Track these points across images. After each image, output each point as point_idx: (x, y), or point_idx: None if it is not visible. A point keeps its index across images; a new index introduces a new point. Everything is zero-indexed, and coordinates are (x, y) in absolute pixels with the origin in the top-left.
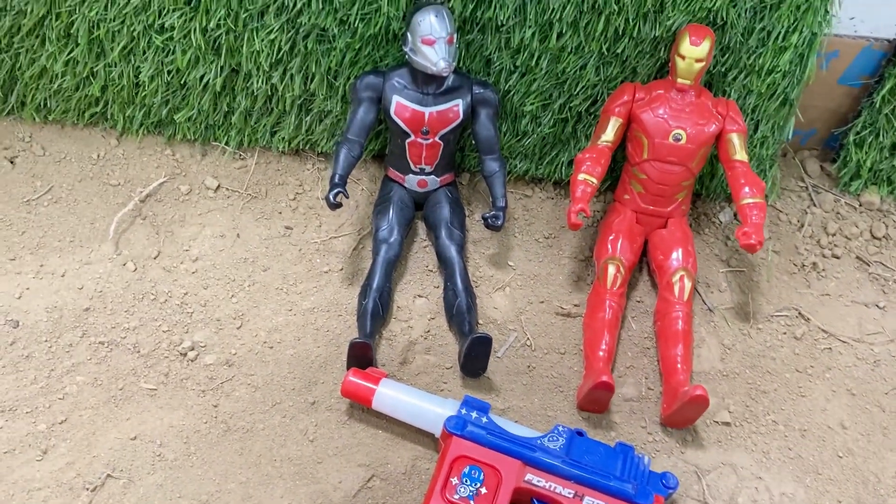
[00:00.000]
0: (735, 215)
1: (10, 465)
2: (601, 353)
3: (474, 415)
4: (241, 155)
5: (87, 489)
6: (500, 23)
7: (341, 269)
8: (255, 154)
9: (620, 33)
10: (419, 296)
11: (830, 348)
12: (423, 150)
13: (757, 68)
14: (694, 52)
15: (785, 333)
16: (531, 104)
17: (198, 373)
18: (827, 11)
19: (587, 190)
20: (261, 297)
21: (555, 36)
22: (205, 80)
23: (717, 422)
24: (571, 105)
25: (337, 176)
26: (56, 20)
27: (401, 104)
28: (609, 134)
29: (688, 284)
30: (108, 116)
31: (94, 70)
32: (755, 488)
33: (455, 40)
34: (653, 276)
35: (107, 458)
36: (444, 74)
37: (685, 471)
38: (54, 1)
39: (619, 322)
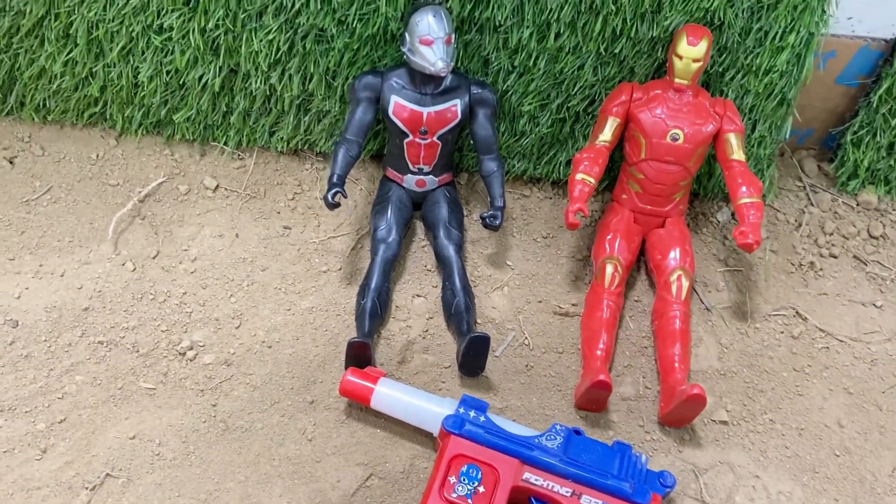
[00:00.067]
0: (733, 215)
1: (10, 465)
2: (599, 353)
3: (472, 414)
4: (239, 155)
5: (87, 488)
6: (497, 23)
7: (340, 269)
8: (254, 154)
9: (618, 33)
10: (417, 295)
11: (828, 347)
12: (422, 150)
13: (754, 68)
14: (691, 52)
15: (782, 332)
16: (529, 104)
17: (196, 372)
18: (824, 11)
19: (585, 189)
20: (259, 297)
21: (553, 36)
22: (203, 81)
23: (714, 420)
24: (569, 105)
25: (335, 176)
26: (55, 21)
27: (399, 104)
28: (607, 134)
29: (685, 284)
30: (107, 116)
31: (93, 70)
32: (752, 487)
33: (453, 40)
34: (650, 275)
35: (106, 457)
36: (442, 74)
37: (683, 469)
38: (53, 1)
39: (616, 321)
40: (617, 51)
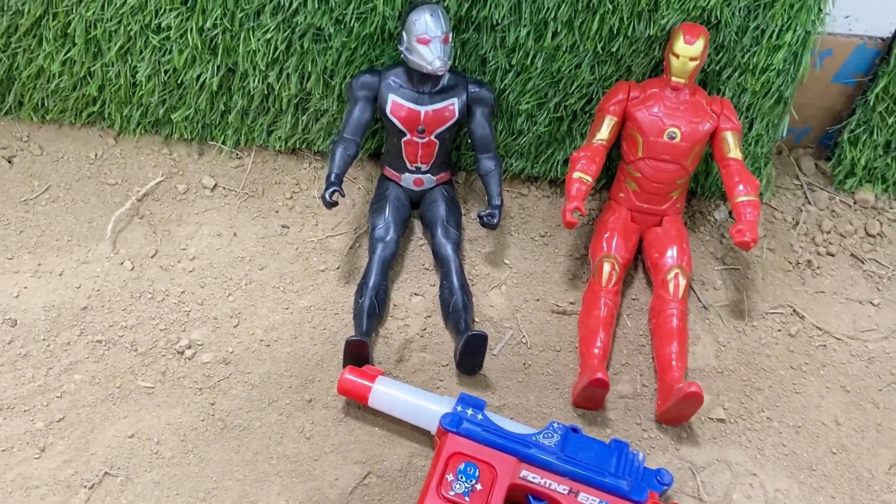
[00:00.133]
0: (730, 213)
1: (8, 463)
2: (596, 351)
3: (470, 412)
4: (237, 154)
5: (85, 487)
6: (495, 22)
7: (338, 268)
8: (252, 153)
9: (615, 32)
10: (415, 294)
11: (825, 345)
12: (419, 149)
13: (751, 67)
14: (688, 50)
15: (780, 331)
16: (527, 103)
17: (195, 371)
18: (820, 10)
19: (582, 188)
20: (257, 296)
21: (550, 35)
22: (201, 80)
23: (711, 418)
24: (567, 104)
25: (333, 175)
26: (53, 20)
27: (396, 103)
28: (604, 132)
29: (682, 282)
30: (106, 116)
31: (92, 70)
32: (749, 485)
33: (450, 39)
34: (648, 273)
35: (104, 455)
36: (440, 73)
37: (680, 467)
38: (51, 1)
39: (614, 320)
40: (614, 49)
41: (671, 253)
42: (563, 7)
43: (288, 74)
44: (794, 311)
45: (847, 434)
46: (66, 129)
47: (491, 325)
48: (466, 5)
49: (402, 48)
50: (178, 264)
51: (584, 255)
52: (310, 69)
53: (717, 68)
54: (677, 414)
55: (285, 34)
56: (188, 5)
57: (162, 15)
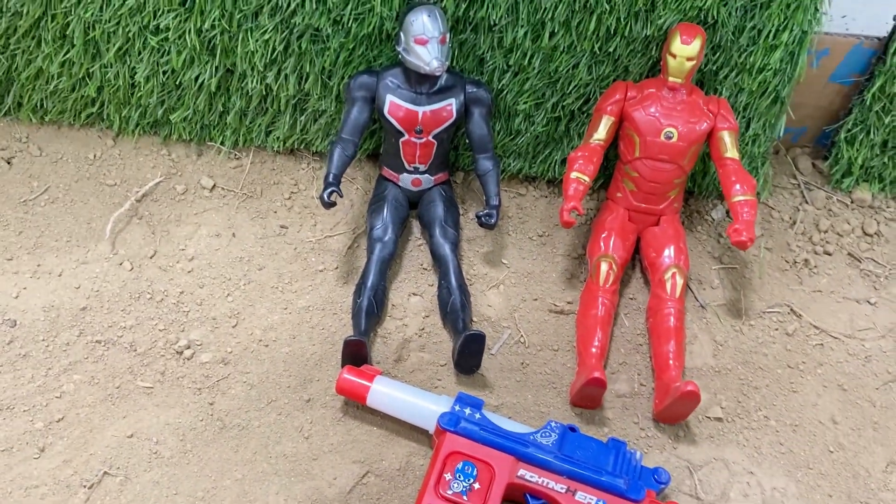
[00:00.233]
0: (727, 212)
1: (8, 463)
2: (594, 350)
3: (468, 411)
4: (236, 154)
5: (85, 486)
6: (492, 22)
7: (336, 268)
8: (251, 154)
9: (612, 32)
10: (414, 294)
11: (822, 344)
12: (417, 150)
13: (748, 66)
14: (685, 50)
15: (777, 330)
16: (524, 103)
17: (194, 371)
18: (817, 10)
19: (580, 188)
20: (256, 296)
21: (547, 35)
22: (200, 81)
23: (709, 417)
24: (564, 104)
25: (331, 175)
26: (52, 21)
27: (394, 103)
28: (601, 132)
29: (680, 281)
30: (105, 117)
31: (90, 71)
32: (747, 483)
33: (448, 40)
34: (645, 273)
35: (104, 455)
36: (437, 74)
37: (677, 466)
38: (50, 2)
39: (611, 319)
40: (611, 50)
41: (668, 252)
42: (560, 7)
43: (286, 75)
44: (791, 310)
45: (844, 432)
46: (65, 129)
47: (489, 324)
48: (464, 6)
49: (399, 49)
50: (176, 265)
51: (582, 254)
52: (308, 70)
53: (714, 68)
54: (675, 413)
55: (283, 35)
56: (186, 6)
57: (160, 16)
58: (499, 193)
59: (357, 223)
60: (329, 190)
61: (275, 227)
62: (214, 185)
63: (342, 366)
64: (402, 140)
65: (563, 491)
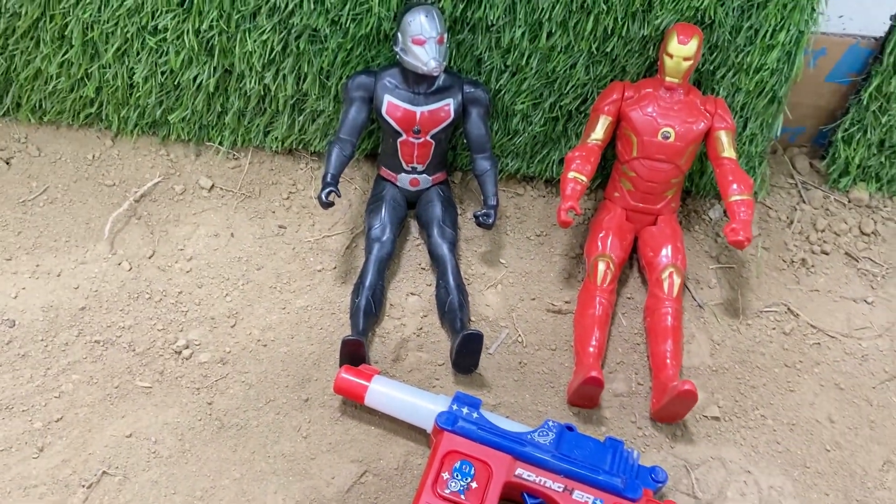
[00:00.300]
0: (724, 212)
1: (7, 463)
2: (591, 349)
3: (465, 410)
4: (234, 155)
5: (83, 486)
6: (490, 23)
7: (334, 268)
8: (249, 154)
9: (609, 32)
10: (412, 293)
11: (819, 343)
12: (415, 150)
13: (745, 66)
14: (682, 50)
15: (774, 329)
16: (522, 103)
17: (192, 371)
18: (814, 9)
19: (577, 188)
20: (255, 296)
21: (545, 35)
22: (198, 81)
23: (706, 416)
24: (562, 104)
25: (329, 175)
26: (50, 22)
27: (392, 104)
28: (599, 132)
29: (677, 281)
30: (103, 117)
31: (89, 71)
32: (744, 482)
33: (445, 40)
34: (643, 272)
35: (102, 455)
36: (435, 74)
37: (674, 465)
38: (48, 3)
39: (609, 318)
40: (608, 50)
41: (666, 252)
42: (557, 8)
43: (284, 75)
44: (788, 309)
45: (841, 431)
46: (64, 130)
47: (487, 324)
48: (461, 6)
49: (397, 49)
50: (175, 265)
51: (580, 254)
52: (306, 70)
53: (711, 68)
54: (672, 412)
55: (281, 35)
56: (184, 7)
57: (158, 17)
58: (497, 193)
59: (355, 223)
60: (327, 190)
61: (273, 227)
62: (213, 186)
63: (340, 365)
64: (399, 140)
65: (561, 490)
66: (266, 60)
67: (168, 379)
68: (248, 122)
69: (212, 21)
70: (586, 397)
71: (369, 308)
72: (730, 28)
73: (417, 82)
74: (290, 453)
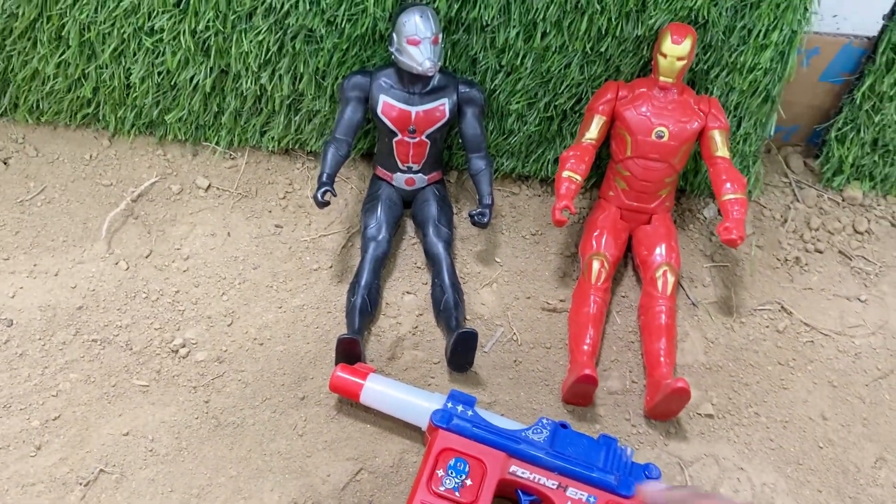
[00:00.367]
0: (719, 211)
1: (5, 461)
2: (585, 348)
3: (460, 408)
4: (231, 155)
5: (81, 484)
6: (484, 23)
7: (330, 267)
8: (246, 154)
9: (604, 32)
10: (407, 292)
11: (812, 341)
12: (411, 149)
13: (739, 66)
14: (676, 50)
15: (768, 327)
16: (517, 103)
17: (189, 369)
18: (807, 9)
19: (571, 187)
20: (251, 295)
21: (539, 35)
22: (195, 81)
23: (700, 414)
24: (556, 103)
25: (325, 175)
26: (47, 23)
27: (387, 103)
28: (593, 132)
29: (671, 279)
30: (100, 117)
31: (86, 72)
32: (737, 479)
33: (440, 40)
34: (637, 271)
35: (99, 453)
36: (430, 74)
37: (668, 462)
38: (45, 4)
39: (603, 317)
40: (603, 49)
41: (660, 250)
42: (551, 8)
43: (280, 75)
44: (782, 307)
45: (834, 428)
46: (61, 130)
47: (482, 322)
48: (456, 6)
49: (392, 49)
50: (172, 264)
51: (575, 253)
52: (302, 70)
53: (705, 67)
54: (666, 409)
55: (277, 36)
56: (180, 8)
57: (155, 17)
58: (492, 192)
59: (351, 222)
60: (323, 189)
61: (270, 226)
62: (209, 185)
63: (336, 364)
64: (395, 140)
65: (555, 487)
66: (262, 61)
67: (165, 377)
68: (245, 122)
69: (208, 22)
70: (580, 395)
71: (365, 307)
72: (723, 28)
73: (413, 82)
74: (286, 451)
